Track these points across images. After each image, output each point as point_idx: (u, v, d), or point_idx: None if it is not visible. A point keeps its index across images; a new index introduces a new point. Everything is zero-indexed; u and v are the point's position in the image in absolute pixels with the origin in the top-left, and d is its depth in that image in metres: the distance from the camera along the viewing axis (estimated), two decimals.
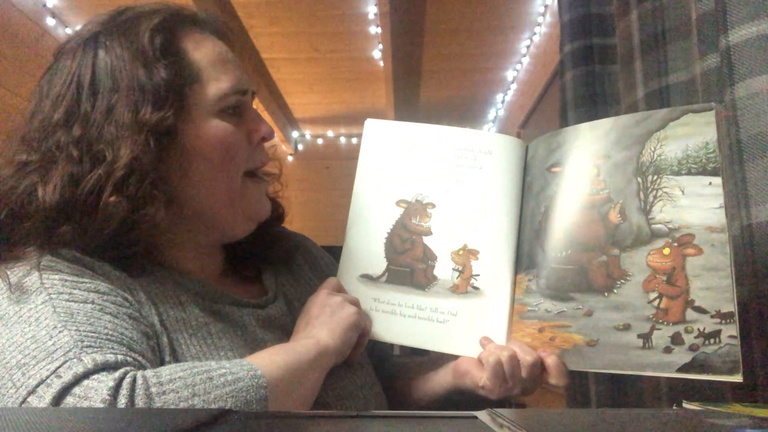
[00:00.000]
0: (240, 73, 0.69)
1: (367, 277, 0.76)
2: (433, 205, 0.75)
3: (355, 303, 0.71)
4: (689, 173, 0.63)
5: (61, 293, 0.56)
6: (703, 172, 0.62)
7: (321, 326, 0.67)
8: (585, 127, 0.71)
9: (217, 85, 0.66)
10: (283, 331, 0.71)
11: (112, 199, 0.59)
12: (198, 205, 0.67)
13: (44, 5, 2.68)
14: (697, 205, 0.61)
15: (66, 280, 0.58)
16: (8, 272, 0.59)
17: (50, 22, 2.72)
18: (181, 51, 0.66)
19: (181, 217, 0.67)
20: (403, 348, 0.81)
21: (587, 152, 0.69)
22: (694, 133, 0.63)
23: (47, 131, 0.63)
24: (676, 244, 0.62)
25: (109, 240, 0.61)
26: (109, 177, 0.60)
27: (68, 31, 2.81)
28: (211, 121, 0.65)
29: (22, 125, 0.66)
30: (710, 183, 0.61)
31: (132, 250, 0.63)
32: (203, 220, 0.68)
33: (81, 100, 0.63)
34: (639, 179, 0.65)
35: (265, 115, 3.72)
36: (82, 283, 0.58)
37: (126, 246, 0.63)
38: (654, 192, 0.64)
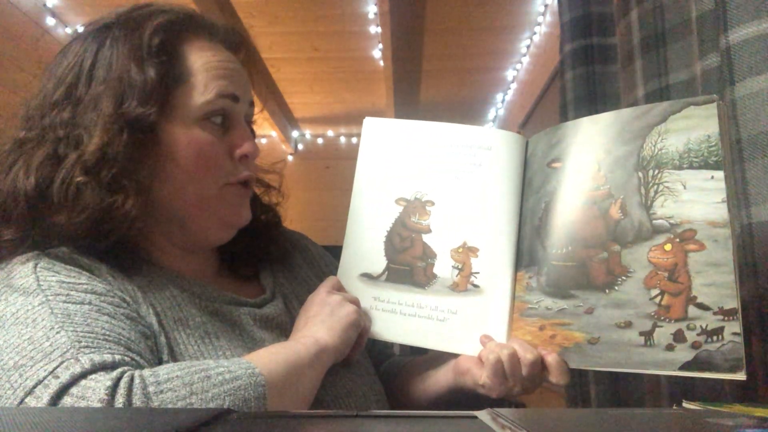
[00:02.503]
0: (235, 82, 0.68)
1: (367, 276, 0.75)
2: (433, 203, 0.75)
3: (355, 302, 0.71)
4: (691, 167, 0.62)
5: (58, 294, 0.56)
6: (705, 165, 0.61)
7: (320, 325, 0.66)
8: (586, 121, 0.70)
9: (203, 91, 0.66)
10: (281, 331, 0.70)
11: (80, 179, 0.61)
12: (170, 207, 0.67)
13: (44, 5, 2.68)
14: (699, 199, 0.61)
15: (63, 282, 0.58)
16: (5, 273, 0.59)
17: (50, 21, 2.72)
18: (178, 53, 0.66)
19: (157, 219, 0.67)
20: (403, 347, 0.80)
21: (588, 147, 0.68)
22: (695, 126, 0.62)
23: (45, 110, 0.65)
24: (677, 239, 0.61)
25: (87, 230, 0.61)
26: (80, 159, 0.61)
27: (68, 30, 2.81)
28: (192, 129, 0.65)
29: (29, 101, 0.68)
30: (712, 177, 0.60)
31: (109, 241, 0.63)
32: (178, 223, 0.68)
33: (78, 85, 0.65)
34: (640, 174, 0.64)
35: (266, 115, 3.73)
36: (79, 284, 0.58)
37: (104, 237, 0.62)
38: (655, 187, 0.63)
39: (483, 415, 0.44)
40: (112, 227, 0.62)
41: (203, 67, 0.67)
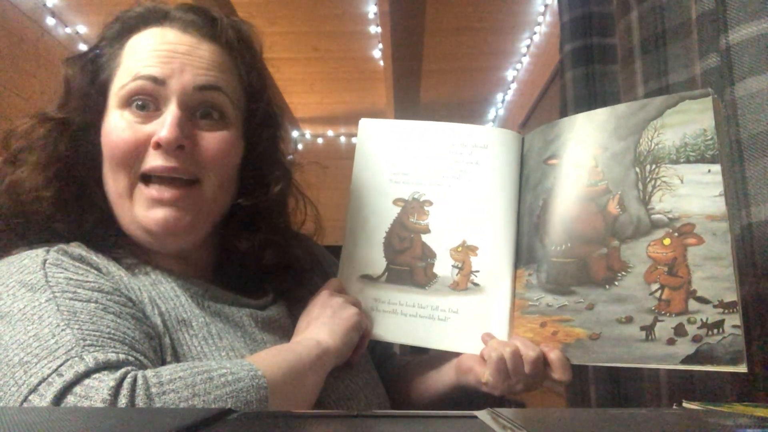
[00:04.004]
0: (165, 65, 0.63)
1: (367, 278, 0.76)
2: (431, 203, 0.75)
3: (357, 304, 0.71)
4: (688, 161, 0.62)
5: (65, 292, 0.56)
6: (702, 159, 0.61)
7: (322, 327, 0.67)
8: (581, 117, 0.70)
9: (122, 76, 0.65)
10: (284, 332, 0.70)
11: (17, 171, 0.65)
12: (109, 200, 0.67)
13: (44, 5, 2.68)
14: (696, 193, 0.61)
15: (71, 279, 0.58)
16: (14, 268, 0.60)
17: (50, 22, 2.72)
18: (121, 49, 0.67)
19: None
20: (402, 347, 0.81)
21: (584, 143, 0.69)
22: (691, 120, 0.62)
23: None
24: (676, 234, 0.61)
25: (9, 209, 0.65)
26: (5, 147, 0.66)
27: (68, 30, 2.81)
28: (110, 116, 0.65)
29: None
30: (709, 171, 0.61)
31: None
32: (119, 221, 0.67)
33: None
34: (637, 169, 0.65)
35: None
36: (87, 282, 0.58)
37: (25, 215, 0.65)
38: (653, 182, 0.63)
39: (483, 414, 0.44)
40: (23, 204, 0.64)
41: (130, 53, 0.66)
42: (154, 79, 0.63)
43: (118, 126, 0.63)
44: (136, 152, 0.63)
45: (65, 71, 0.68)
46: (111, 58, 0.67)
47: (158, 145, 0.62)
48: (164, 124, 0.62)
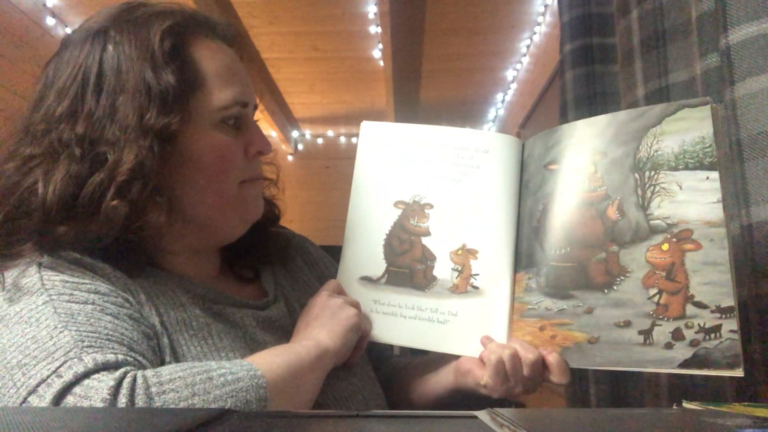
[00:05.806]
0: (244, 85, 0.69)
1: (367, 279, 0.76)
2: (431, 206, 0.75)
3: (355, 305, 0.71)
4: (686, 168, 0.62)
5: (62, 294, 0.56)
6: (700, 166, 0.62)
7: (321, 328, 0.67)
8: (581, 124, 0.71)
9: (219, 96, 0.65)
10: (284, 333, 0.71)
11: (114, 203, 0.59)
12: (191, 210, 0.66)
13: (44, 5, 2.68)
14: (694, 200, 0.61)
15: (67, 281, 0.58)
16: (8, 273, 0.59)
17: (50, 22, 2.73)
18: (189, 57, 0.65)
19: (174, 222, 0.66)
20: (403, 349, 0.81)
21: (584, 149, 0.69)
22: (690, 128, 0.63)
23: (50, 124, 0.62)
24: (674, 239, 0.62)
25: (109, 243, 0.61)
26: (112, 181, 0.59)
27: (68, 30, 2.81)
28: (210, 132, 0.65)
29: (26, 113, 0.65)
30: (707, 177, 0.61)
31: (134, 256, 0.64)
32: (196, 224, 0.68)
33: (86, 96, 0.62)
34: (636, 175, 0.65)
35: (265, 115, 3.73)
36: (83, 284, 0.58)
37: (127, 250, 0.63)
38: (651, 188, 0.64)
39: (483, 415, 0.44)
40: (139, 244, 0.63)
41: (215, 71, 0.66)
42: (247, 104, 0.68)
43: (226, 141, 0.66)
44: (240, 162, 0.68)
45: (140, 72, 0.62)
46: (183, 68, 0.64)
47: (260, 153, 0.70)
48: (259, 136, 0.70)
